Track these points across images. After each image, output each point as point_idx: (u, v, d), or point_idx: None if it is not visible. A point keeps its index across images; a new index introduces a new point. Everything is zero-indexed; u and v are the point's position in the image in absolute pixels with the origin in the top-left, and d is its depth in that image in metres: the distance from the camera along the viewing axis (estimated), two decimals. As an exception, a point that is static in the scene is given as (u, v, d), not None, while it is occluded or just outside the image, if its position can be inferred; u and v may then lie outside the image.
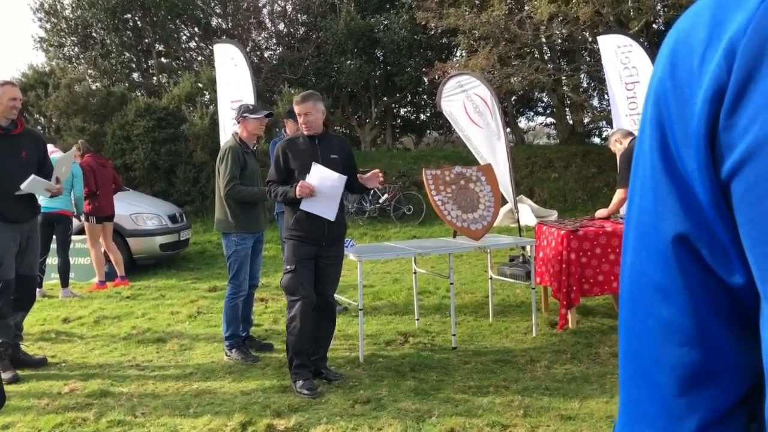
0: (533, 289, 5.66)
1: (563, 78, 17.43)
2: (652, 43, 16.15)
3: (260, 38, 21.62)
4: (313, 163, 4.38)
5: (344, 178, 4.43)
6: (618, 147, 5.90)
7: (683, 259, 0.58)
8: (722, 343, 0.58)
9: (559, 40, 16.62)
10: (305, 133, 4.46)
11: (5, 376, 4.41)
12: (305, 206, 4.32)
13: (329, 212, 4.39)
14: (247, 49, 18.13)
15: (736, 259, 0.55)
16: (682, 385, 0.60)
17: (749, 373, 0.57)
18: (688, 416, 0.60)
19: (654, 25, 16.76)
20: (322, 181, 4.35)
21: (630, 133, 5.99)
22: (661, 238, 0.59)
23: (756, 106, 0.50)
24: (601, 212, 6.13)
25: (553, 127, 23.04)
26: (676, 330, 0.59)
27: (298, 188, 4.27)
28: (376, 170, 4.63)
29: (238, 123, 5.16)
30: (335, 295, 4.78)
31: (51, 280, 7.97)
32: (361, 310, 5.01)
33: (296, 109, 4.44)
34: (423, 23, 15.69)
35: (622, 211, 5.81)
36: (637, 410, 0.64)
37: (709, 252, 0.56)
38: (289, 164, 4.40)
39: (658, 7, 14.70)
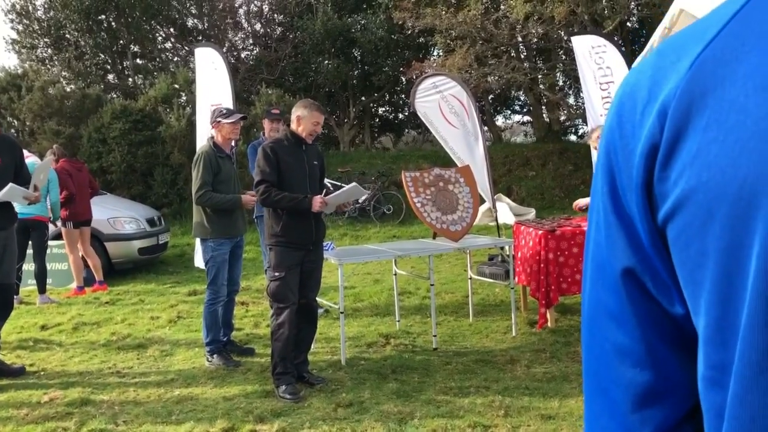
0: (512, 288, 5.72)
1: (539, 77, 17.55)
2: (626, 41, 16.36)
3: (237, 39, 21.50)
4: (355, 183, 4.67)
5: (366, 193, 4.83)
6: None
7: (631, 291, 0.64)
8: (669, 365, 0.64)
9: (535, 39, 16.73)
10: (308, 140, 4.46)
11: (-17, 386, 4.36)
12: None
13: (329, 211, 4.64)
14: (224, 50, 18.03)
15: (675, 292, 0.61)
16: (635, 402, 0.66)
17: (694, 391, 0.63)
18: (641, 430, 0.66)
19: (628, 24, 16.96)
20: (347, 194, 4.68)
21: None
22: (613, 270, 0.65)
23: (683, 163, 0.56)
24: (582, 201, 6.07)
25: (530, 125, 23.20)
26: (628, 353, 0.66)
27: (317, 204, 4.31)
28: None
29: (215, 127, 5.14)
30: (316, 298, 4.80)
31: (28, 286, 7.88)
32: (342, 313, 5.03)
33: (315, 117, 4.42)
34: (400, 23, 15.72)
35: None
36: (598, 424, 0.71)
37: (653, 285, 0.63)
38: (279, 166, 4.36)
39: (632, 6, 14.87)
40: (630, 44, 17.04)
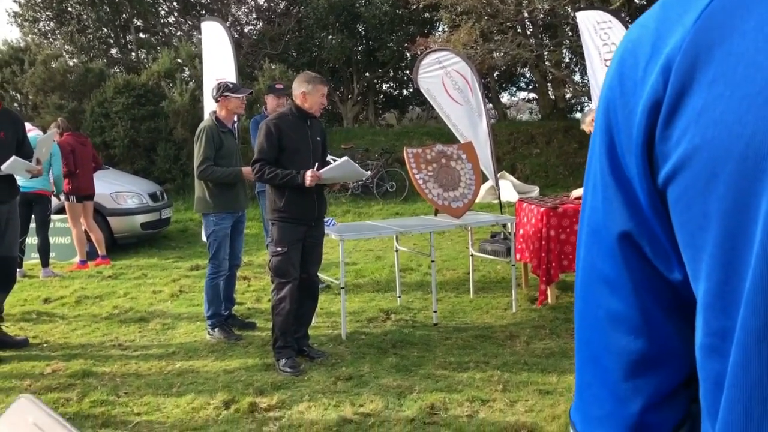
0: (513, 265, 5.73)
1: (545, 53, 17.42)
2: (633, 17, 16.16)
3: (240, 13, 21.35)
4: (347, 158, 4.52)
5: (367, 173, 4.65)
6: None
7: (628, 255, 0.62)
8: (665, 332, 0.63)
9: (541, 15, 16.56)
10: (317, 114, 4.44)
11: (-13, 357, 4.41)
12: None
13: (326, 182, 4.55)
14: (227, 24, 17.91)
15: (674, 257, 0.59)
16: (627, 370, 0.65)
17: (690, 359, 0.61)
18: (633, 398, 0.65)
19: (636, 0, 16.76)
20: (342, 170, 4.51)
21: None
22: (609, 234, 0.63)
23: (687, 120, 0.53)
24: (577, 191, 6.10)
25: (535, 102, 23.07)
26: (622, 320, 0.64)
27: (309, 178, 4.23)
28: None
29: (218, 101, 5.12)
30: (317, 273, 4.81)
31: (31, 260, 7.92)
32: (343, 288, 5.05)
33: (321, 89, 4.39)
34: (405, -2, 15.58)
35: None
36: (589, 393, 0.70)
37: (651, 249, 0.61)
38: (282, 142, 4.34)
39: (640, -18, 14.70)
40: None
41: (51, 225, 7.71)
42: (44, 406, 0.57)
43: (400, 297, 6.01)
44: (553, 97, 20.16)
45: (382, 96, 23.48)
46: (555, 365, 4.27)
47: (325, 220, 4.92)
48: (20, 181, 5.04)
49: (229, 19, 19.79)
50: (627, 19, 10.33)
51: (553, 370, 4.17)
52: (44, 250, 7.48)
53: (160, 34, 20.59)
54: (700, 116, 0.52)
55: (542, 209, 5.62)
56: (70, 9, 18.95)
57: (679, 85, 0.54)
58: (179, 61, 15.46)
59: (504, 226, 6.32)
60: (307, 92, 4.37)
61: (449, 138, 9.98)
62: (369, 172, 13.81)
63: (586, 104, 20.66)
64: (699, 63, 0.53)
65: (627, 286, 0.63)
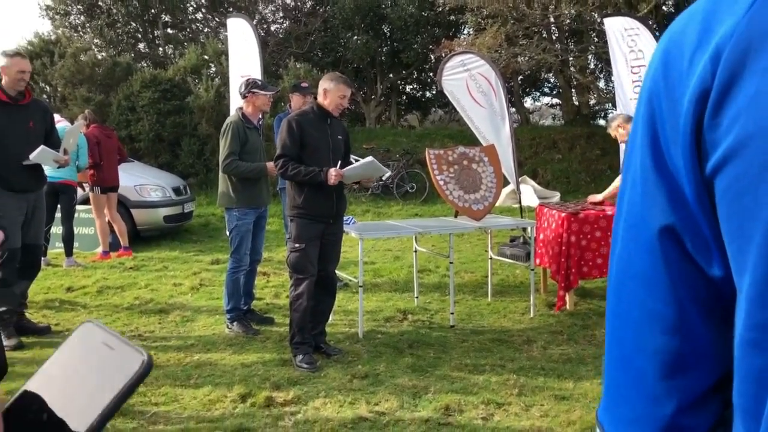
0: (532, 270, 5.71)
1: (570, 59, 17.32)
2: (661, 25, 16.02)
3: (267, 11, 21.48)
4: (371, 158, 4.53)
5: (388, 172, 4.66)
6: (621, 132, 5.89)
7: (668, 251, 0.61)
8: (701, 332, 0.61)
9: (568, 21, 16.48)
10: (335, 113, 4.47)
11: (9, 343, 4.49)
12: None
13: (347, 182, 4.56)
14: (254, 22, 18.03)
15: (717, 252, 0.58)
16: (662, 370, 0.63)
17: (725, 361, 0.60)
18: (666, 400, 0.63)
19: (664, 7, 16.61)
20: (365, 168, 4.51)
21: (632, 118, 5.96)
22: (648, 230, 0.62)
23: (738, 107, 0.52)
24: (594, 197, 6.08)
25: (558, 107, 22.94)
26: (658, 318, 0.63)
27: (333, 177, 4.27)
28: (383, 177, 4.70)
29: (245, 98, 5.18)
30: (336, 271, 4.84)
31: (55, 249, 8.04)
32: (361, 286, 5.07)
33: (342, 90, 4.42)
34: (431, 0, 15.57)
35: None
36: (619, 393, 0.68)
37: (693, 245, 0.60)
38: (303, 139, 4.39)
39: (669, -11, 14.57)
40: (664, 28, 16.69)
41: (75, 215, 7.83)
42: (108, 328, 0.64)
43: (417, 297, 6.02)
44: (576, 103, 20.05)
45: (405, 97, 23.49)
46: (572, 371, 4.25)
47: (345, 218, 4.95)
48: (47, 170, 5.12)
49: (256, 17, 19.92)
50: (654, 26, 10.25)
51: (570, 376, 4.16)
52: (68, 239, 7.59)
53: (188, 30, 20.79)
54: (752, 103, 0.51)
55: (563, 214, 5.60)
56: (100, 3, 19.20)
57: (729, 73, 0.53)
58: (206, 57, 15.61)
59: (524, 230, 6.31)
60: (328, 90, 4.43)
61: (471, 140, 9.97)
62: (389, 172, 13.83)
63: (610, 111, 20.48)
64: (752, 50, 0.52)
65: (665, 283, 0.61)
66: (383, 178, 13.93)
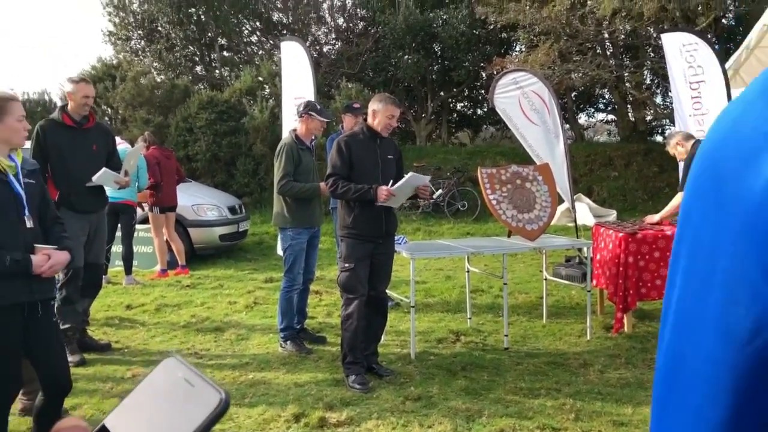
0: (589, 291, 5.59)
1: (626, 74, 17.01)
2: (721, 39, 15.62)
3: (320, 33, 21.80)
4: (411, 173, 4.51)
5: (427, 178, 4.62)
6: (680, 150, 5.74)
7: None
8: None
9: (622, 36, 16.21)
10: (384, 133, 4.50)
11: (72, 359, 4.62)
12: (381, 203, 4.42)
13: (396, 204, 4.54)
14: (307, 44, 18.34)
15: None
16: None
17: None
18: None
19: (723, 21, 16.18)
20: (410, 184, 4.47)
21: (691, 136, 5.80)
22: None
23: None
24: (651, 218, 5.92)
25: (613, 124, 22.53)
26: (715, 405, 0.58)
27: (383, 195, 4.29)
28: (426, 184, 4.63)
29: (301, 117, 5.26)
30: (387, 291, 4.83)
31: (115, 267, 8.28)
32: (413, 307, 5.05)
33: (390, 110, 4.46)
34: (482, 18, 15.56)
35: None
36: None
37: None
38: (353, 159, 4.44)
39: (728, 2, 14.20)
40: (725, 42, 16.26)
41: (135, 234, 8.05)
42: (189, 364, 0.66)
43: (470, 318, 5.95)
44: (632, 118, 19.65)
45: (455, 115, 23.44)
46: (630, 396, 4.13)
47: (397, 237, 4.95)
48: (108, 191, 5.29)
49: (309, 39, 20.26)
50: (714, 40, 10.00)
51: (629, 401, 4.03)
52: (128, 258, 7.81)
53: (243, 52, 21.27)
54: None
55: (620, 234, 5.47)
56: (159, 28, 19.84)
57: None
58: (260, 79, 15.93)
59: (579, 250, 6.18)
60: (376, 110, 4.48)
61: (523, 158, 9.86)
62: (440, 191, 13.79)
63: (667, 126, 20.02)
64: None
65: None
66: (434, 197, 13.90)
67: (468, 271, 6.17)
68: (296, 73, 8.76)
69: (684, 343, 0.61)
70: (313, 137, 5.40)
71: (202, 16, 19.81)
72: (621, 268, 5.41)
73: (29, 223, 2.94)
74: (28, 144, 4.30)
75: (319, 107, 5.32)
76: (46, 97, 16.04)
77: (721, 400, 0.57)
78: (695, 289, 0.60)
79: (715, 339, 0.58)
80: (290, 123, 8.42)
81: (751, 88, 0.57)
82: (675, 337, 0.62)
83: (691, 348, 0.60)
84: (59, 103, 10.32)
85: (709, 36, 10.38)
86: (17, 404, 3.68)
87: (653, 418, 0.66)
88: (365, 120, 4.77)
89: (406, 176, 4.49)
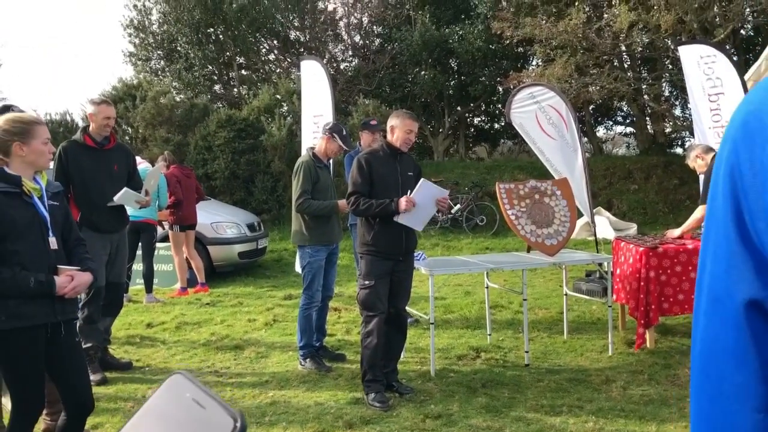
0: (610, 306, 5.53)
1: (644, 87, 16.93)
2: (739, 50, 15.52)
3: (336, 50, 21.99)
4: (423, 179, 4.50)
5: (447, 191, 4.59)
6: (699, 163, 5.69)
7: (756, 325, 0.58)
8: None
9: (640, 49, 16.16)
10: (403, 148, 4.52)
11: (94, 378, 4.65)
12: (400, 219, 4.38)
13: (420, 225, 4.51)
14: (324, 61, 18.47)
15: None
16: None
17: None
18: None
19: (742, 32, 16.09)
20: (427, 195, 4.45)
21: (710, 149, 5.75)
22: (734, 304, 0.59)
23: None
24: (672, 232, 5.87)
25: (632, 136, 22.40)
26: (750, 396, 0.59)
27: (403, 202, 4.31)
28: (445, 196, 4.60)
29: (323, 136, 5.29)
30: (406, 308, 4.82)
31: (136, 285, 8.34)
32: (432, 323, 5.03)
33: (408, 125, 4.48)
34: (498, 33, 15.59)
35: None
36: None
37: None
38: (372, 176, 4.45)
39: (747, 13, 14.11)
40: (743, 53, 16.14)
41: (155, 252, 8.12)
42: (198, 382, 0.60)
43: (490, 335, 5.92)
44: (651, 131, 19.53)
45: (473, 129, 23.46)
46: (654, 413, 4.07)
47: (415, 254, 4.94)
48: (129, 210, 5.35)
49: (326, 57, 20.42)
50: (732, 52, 9.93)
51: (652, 419, 3.98)
52: (149, 276, 7.87)
53: (261, 71, 21.50)
54: None
55: (641, 249, 5.42)
56: (179, 48, 20.12)
57: None
58: (278, 96, 16.08)
59: (600, 264, 6.13)
60: (394, 126, 4.50)
61: (541, 172, 9.83)
62: (458, 206, 13.77)
63: (687, 139, 19.86)
64: None
65: (754, 358, 0.58)
66: (453, 211, 13.88)
67: (487, 287, 6.14)
68: (315, 91, 8.85)
69: (716, 322, 0.62)
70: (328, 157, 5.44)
71: (221, 36, 20.08)
72: (642, 283, 5.36)
73: (53, 245, 2.98)
74: (51, 165, 4.37)
75: (344, 133, 5.34)
76: (68, 118, 16.29)
77: (745, 368, 0.59)
78: (723, 269, 0.61)
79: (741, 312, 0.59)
80: (309, 141, 8.49)
81: None
82: (709, 321, 0.63)
83: (724, 329, 0.61)
84: (81, 124, 10.49)
85: (728, 47, 10.32)
86: (41, 424, 3.71)
87: (693, 405, 0.66)
88: (383, 136, 4.78)
89: (420, 182, 4.47)
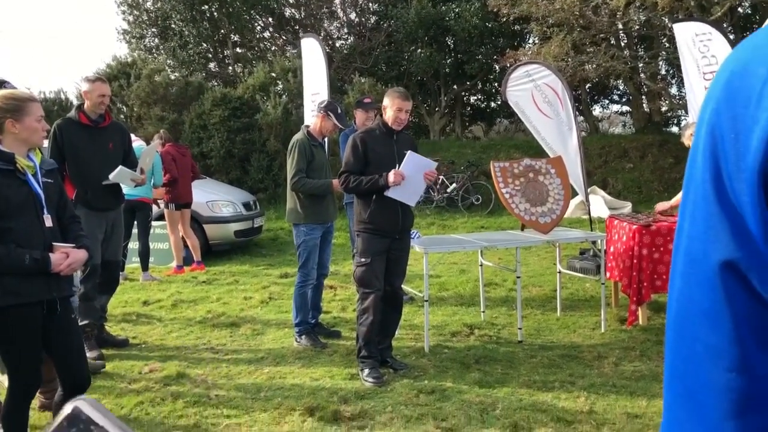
0: (603, 283, 5.58)
1: (640, 65, 16.86)
2: (737, 28, 15.45)
3: (332, 28, 21.84)
4: (409, 151, 4.47)
5: (435, 164, 4.58)
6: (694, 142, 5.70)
7: (730, 286, 0.58)
8: (765, 371, 0.59)
9: (636, 27, 16.08)
10: (396, 128, 4.52)
11: (91, 355, 4.68)
12: (392, 194, 4.38)
13: (412, 199, 4.51)
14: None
15: None
16: (729, 409, 0.60)
17: None
18: None
19: (739, 9, 16.00)
20: (415, 168, 4.44)
21: None
22: (710, 265, 0.60)
23: None
24: (662, 205, 5.88)
25: (628, 115, 22.38)
26: (722, 356, 0.60)
27: (392, 175, 4.31)
28: (432, 169, 4.59)
29: (318, 114, 5.28)
30: (402, 285, 4.86)
31: (132, 263, 8.37)
32: (426, 301, 5.07)
33: (397, 104, 4.46)
34: (495, 10, 15.49)
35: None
36: (681, 430, 0.66)
37: (760, 280, 0.57)
38: (368, 155, 4.46)
39: (744, -10, 14.04)
40: (740, 31, 16.07)
41: (151, 231, 8.13)
42: (103, 408, 0.55)
43: (484, 312, 5.97)
44: (647, 110, 19.50)
45: (469, 108, 23.40)
46: (645, 389, 4.13)
47: (411, 232, 4.96)
48: (124, 189, 5.35)
49: (321, 34, 20.29)
50: (729, 29, 9.89)
51: (643, 394, 4.03)
52: (144, 255, 7.89)
53: (256, 48, 21.35)
54: None
55: (634, 227, 5.45)
56: (173, 26, 19.96)
57: None
58: (273, 75, 15.98)
59: (594, 242, 6.17)
60: (386, 106, 4.51)
61: (537, 151, 9.83)
62: (453, 185, 13.78)
63: (683, 118, 19.84)
64: None
65: (727, 319, 0.59)
66: (448, 191, 13.90)
67: (481, 265, 6.18)
68: (314, 70, 8.83)
69: (692, 283, 0.62)
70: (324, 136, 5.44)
71: (215, 13, 19.91)
72: (635, 261, 5.40)
73: (48, 222, 2.99)
74: (45, 143, 4.37)
75: (339, 111, 5.32)
76: (63, 96, 16.19)
77: (719, 328, 0.60)
78: (700, 230, 0.61)
79: (717, 274, 0.60)
80: (310, 119, 8.47)
81: (759, 32, 0.58)
82: (685, 282, 0.63)
83: (699, 289, 0.62)
84: (75, 102, 10.43)
85: (725, 25, 10.27)
86: (36, 401, 3.75)
87: (667, 364, 0.67)
88: (378, 115, 4.78)
89: (407, 154, 4.44)
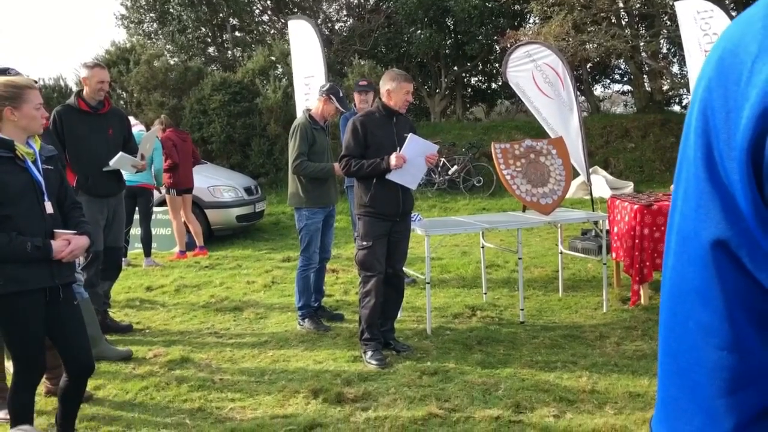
0: (605, 264, 5.58)
1: (641, 44, 16.74)
2: (739, 5, 15.31)
3: (331, 10, 21.70)
4: (410, 134, 4.47)
5: (436, 147, 4.56)
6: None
7: (721, 265, 0.59)
8: (758, 348, 0.59)
9: (638, 5, 15.94)
10: (402, 111, 4.50)
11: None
12: (393, 177, 4.38)
13: (413, 182, 4.51)
14: (318, 22, 18.22)
15: None
16: (721, 386, 0.61)
17: None
18: (726, 415, 0.61)
19: (741, -14, 15.84)
20: (417, 151, 4.43)
21: None
22: (701, 243, 0.60)
23: None
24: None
25: (630, 95, 22.25)
26: (713, 334, 0.60)
27: (394, 158, 4.31)
28: (434, 152, 4.58)
29: (320, 97, 5.27)
30: (404, 268, 4.87)
31: (135, 249, 8.38)
32: (428, 283, 5.08)
33: (405, 86, 4.46)
34: (495, -10, 15.35)
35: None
36: (675, 407, 0.66)
37: (751, 258, 0.57)
38: (368, 139, 4.45)
39: (747, -33, 13.88)
40: (742, 8, 15.92)
41: (153, 217, 8.14)
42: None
43: (486, 293, 5.98)
44: (649, 89, 19.39)
45: (470, 90, 23.26)
46: (647, 368, 4.14)
47: (411, 215, 4.97)
48: (125, 175, 5.35)
49: (320, 16, 20.15)
50: (732, 6, 9.79)
51: (645, 373, 4.05)
52: (147, 240, 7.90)
53: (255, 32, 21.23)
54: None
55: (636, 206, 5.45)
56: (171, 10, 19.83)
57: None
58: (272, 58, 15.89)
59: (595, 223, 6.17)
60: (391, 90, 4.46)
61: (539, 132, 9.80)
62: (455, 167, 13.75)
63: (684, 96, 19.75)
64: None
65: (718, 297, 0.59)
66: (449, 173, 13.87)
67: (483, 247, 6.19)
68: (305, 52, 8.71)
69: (684, 261, 0.63)
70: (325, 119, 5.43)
71: (213, -3, 19.77)
72: (637, 240, 5.40)
73: (49, 209, 3.00)
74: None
75: (341, 95, 5.30)
76: (62, 83, 16.13)
77: (710, 306, 0.60)
78: (692, 208, 0.62)
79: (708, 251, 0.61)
80: (302, 102, 8.41)
81: (752, 9, 0.57)
82: (677, 260, 0.64)
83: (691, 267, 0.62)
84: (75, 89, 10.39)
85: (727, 2, 10.18)
86: (42, 387, 3.78)
87: (661, 341, 0.68)
88: (376, 98, 4.76)
89: (408, 137, 4.44)
